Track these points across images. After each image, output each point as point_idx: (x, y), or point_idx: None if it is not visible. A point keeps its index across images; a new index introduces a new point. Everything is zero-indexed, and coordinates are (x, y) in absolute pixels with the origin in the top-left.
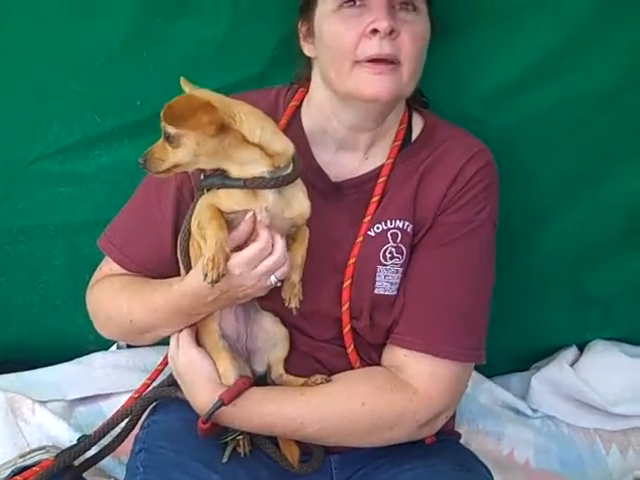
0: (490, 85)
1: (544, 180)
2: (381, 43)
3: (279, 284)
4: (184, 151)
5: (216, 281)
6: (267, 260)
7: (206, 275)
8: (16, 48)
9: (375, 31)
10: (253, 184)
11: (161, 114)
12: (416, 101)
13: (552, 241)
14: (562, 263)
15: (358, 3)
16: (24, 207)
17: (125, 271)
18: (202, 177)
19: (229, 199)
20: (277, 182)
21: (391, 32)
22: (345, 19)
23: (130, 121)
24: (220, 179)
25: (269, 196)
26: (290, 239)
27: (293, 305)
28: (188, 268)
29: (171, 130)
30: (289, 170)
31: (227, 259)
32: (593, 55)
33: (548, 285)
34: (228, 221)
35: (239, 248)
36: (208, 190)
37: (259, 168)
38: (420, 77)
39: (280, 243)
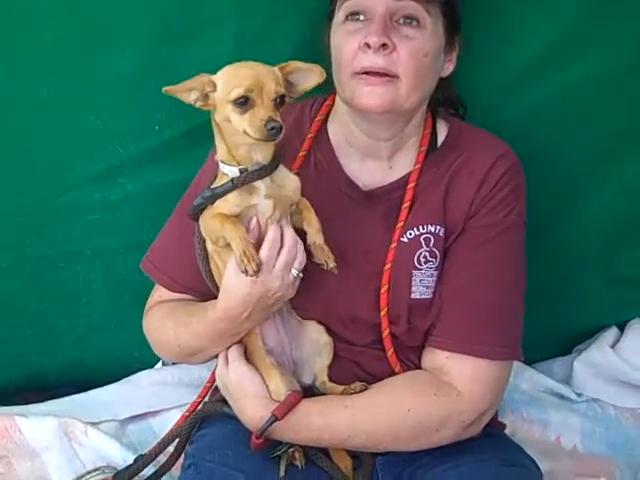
0: (506, 72)
1: (568, 163)
2: (374, 57)
3: (301, 275)
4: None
5: (257, 271)
6: (281, 255)
7: (246, 270)
8: (35, 89)
9: (368, 45)
10: (240, 180)
11: (280, 80)
12: (449, 109)
13: (581, 223)
14: (593, 244)
15: (362, 17)
16: (60, 236)
17: (173, 294)
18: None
19: (226, 205)
20: (263, 172)
21: (384, 46)
22: (347, 32)
23: (150, 147)
24: (208, 192)
25: (262, 186)
26: (297, 215)
27: (332, 265)
28: (218, 290)
29: (285, 92)
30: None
31: (256, 248)
32: (609, 35)
33: (581, 267)
34: None
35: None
36: (201, 212)
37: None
38: (430, 90)
39: (288, 233)
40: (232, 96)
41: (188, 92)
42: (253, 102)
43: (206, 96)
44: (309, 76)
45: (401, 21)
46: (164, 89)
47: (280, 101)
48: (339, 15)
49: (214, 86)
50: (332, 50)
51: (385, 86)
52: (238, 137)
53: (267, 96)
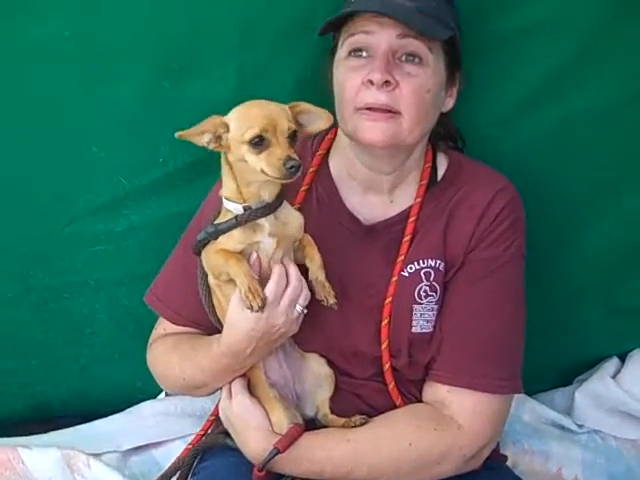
0: (504, 105)
1: (566, 195)
2: (377, 93)
3: (305, 311)
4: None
5: (262, 307)
6: (287, 291)
7: (251, 307)
8: (39, 122)
9: (371, 82)
10: (244, 217)
11: (290, 117)
12: (448, 142)
13: (581, 254)
14: (593, 275)
15: (365, 54)
16: (64, 266)
17: (177, 328)
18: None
19: (229, 241)
20: (266, 210)
21: (387, 83)
22: (350, 68)
23: (154, 179)
24: (212, 227)
25: (265, 224)
26: (299, 251)
27: (332, 302)
28: (221, 325)
29: (296, 128)
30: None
31: (261, 284)
32: (606, 67)
33: (581, 298)
34: None
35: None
36: (204, 247)
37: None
38: (431, 124)
39: (292, 270)
40: (247, 137)
41: (200, 135)
42: (269, 142)
43: (219, 137)
44: (317, 120)
45: (403, 58)
46: (177, 134)
47: (293, 137)
48: (342, 51)
49: (226, 127)
50: (335, 85)
51: (387, 122)
52: (252, 175)
53: (281, 134)
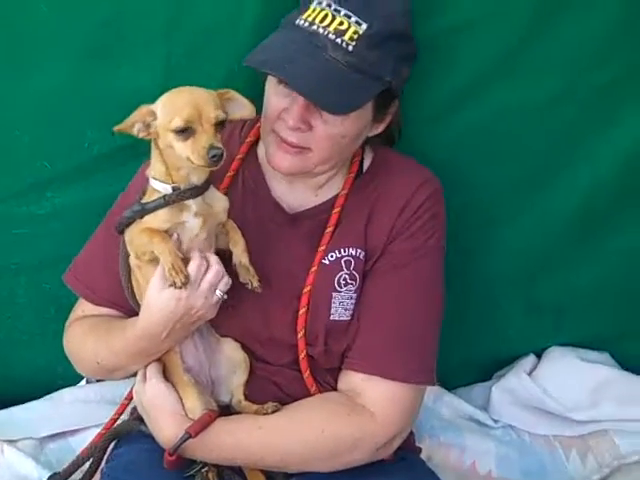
0: (430, 102)
1: (487, 191)
2: (290, 132)
3: (225, 297)
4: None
5: (185, 283)
6: (208, 275)
7: (174, 283)
8: None
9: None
10: (172, 197)
11: (218, 104)
12: (381, 141)
13: (500, 250)
14: (511, 271)
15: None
16: None
17: (96, 309)
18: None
19: (155, 220)
20: (195, 192)
21: (299, 129)
22: (276, 92)
23: (79, 163)
24: (138, 206)
25: (192, 205)
26: (223, 235)
27: (256, 284)
28: (139, 307)
29: (225, 117)
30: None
31: (184, 262)
32: (529, 68)
33: (501, 293)
34: None
35: None
36: (128, 226)
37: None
38: (348, 155)
39: (213, 257)
40: (172, 126)
41: (132, 126)
42: (194, 130)
43: (148, 126)
44: (240, 109)
45: None
46: (115, 129)
47: (221, 125)
48: None
49: (154, 115)
50: (265, 91)
51: (295, 156)
52: (181, 161)
53: (207, 122)
